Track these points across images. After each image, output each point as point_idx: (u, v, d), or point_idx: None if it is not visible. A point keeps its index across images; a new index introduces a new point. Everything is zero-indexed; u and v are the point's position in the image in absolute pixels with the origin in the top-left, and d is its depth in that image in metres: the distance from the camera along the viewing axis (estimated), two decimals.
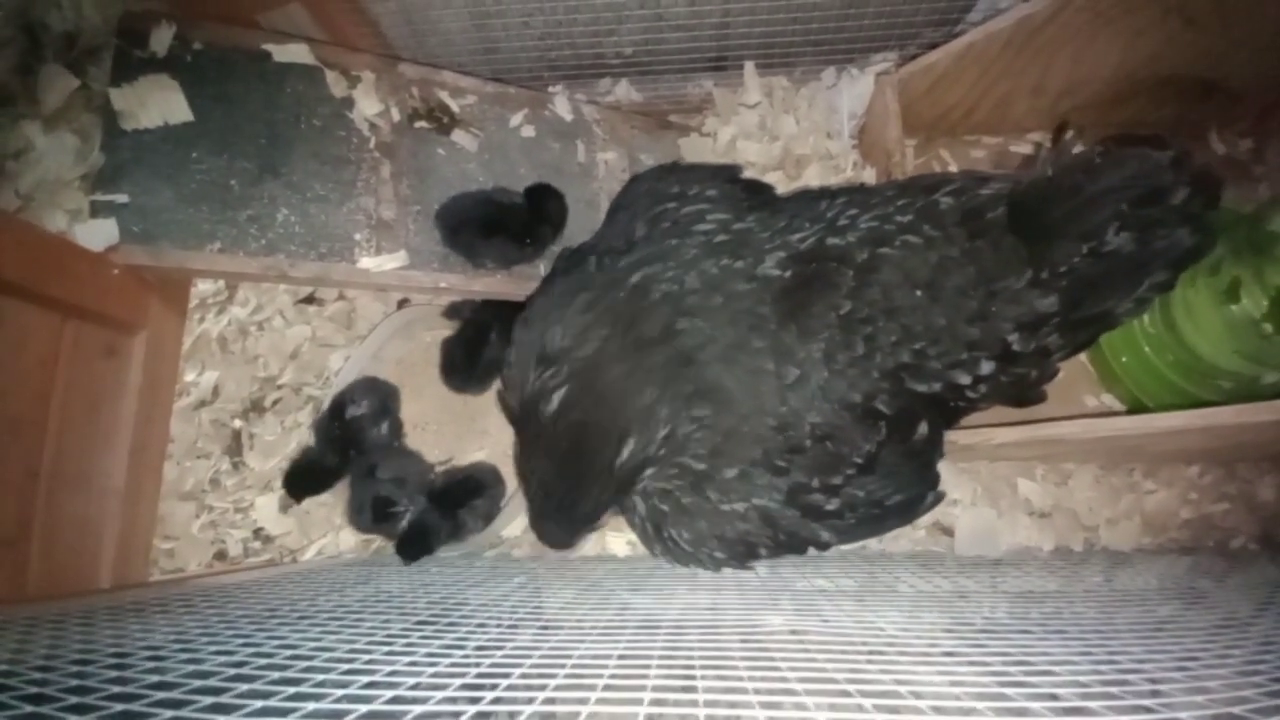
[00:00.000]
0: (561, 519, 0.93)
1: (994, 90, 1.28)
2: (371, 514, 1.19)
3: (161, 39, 1.10)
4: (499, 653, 0.57)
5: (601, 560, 1.26)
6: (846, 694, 0.48)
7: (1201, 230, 0.82)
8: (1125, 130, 1.07)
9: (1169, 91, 1.28)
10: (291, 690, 0.46)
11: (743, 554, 0.94)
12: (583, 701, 0.44)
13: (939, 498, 0.99)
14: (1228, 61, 1.22)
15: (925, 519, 1.26)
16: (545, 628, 0.71)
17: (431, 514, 1.17)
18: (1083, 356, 1.32)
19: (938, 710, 0.42)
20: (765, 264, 0.91)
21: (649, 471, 0.89)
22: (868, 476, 0.92)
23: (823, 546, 0.95)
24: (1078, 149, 0.88)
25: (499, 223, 1.17)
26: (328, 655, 0.56)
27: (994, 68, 1.22)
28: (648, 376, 0.86)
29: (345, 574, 1.09)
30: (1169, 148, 0.82)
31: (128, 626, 0.70)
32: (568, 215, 1.22)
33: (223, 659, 0.55)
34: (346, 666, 0.52)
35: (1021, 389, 0.94)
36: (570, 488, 0.89)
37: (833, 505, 0.92)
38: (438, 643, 0.61)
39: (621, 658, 0.56)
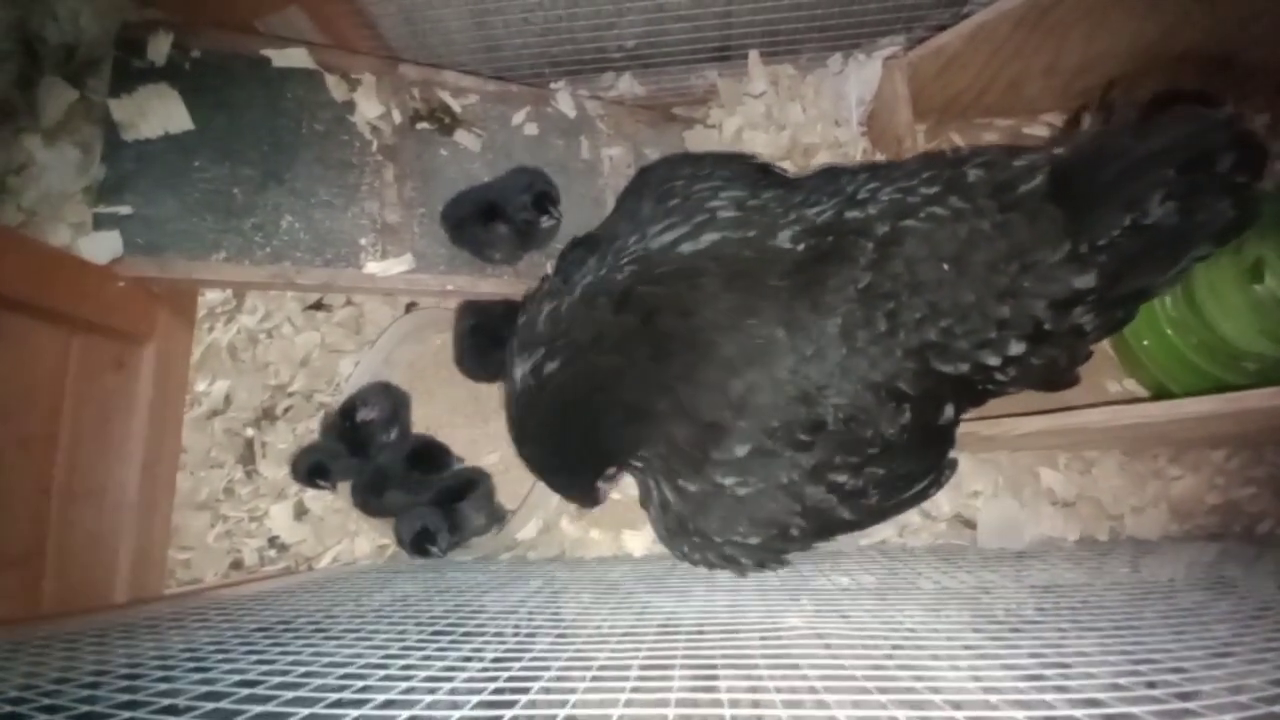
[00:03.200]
0: (573, 489, 1.00)
1: (1006, 71, 1.25)
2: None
3: (160, 48, 1.10)
4: (517, 665, 0.56)
5: (619, 560, 1.24)
6: (866, 691, 0.46)
7: (1243, 202, 0.79)
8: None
9: (1184, 67, 1.25)
10: (305, 712, 0.45)
11: (776, 538, 0.90)
12: (611, 704, 0.43)
13: (954, 467, 0.98)
14: (1243, 34, 1.19)
15: (946, 511, 1.24)
16: (563, 635, 0.70)
17: (432, 515, 1.16)
18: (1104, 341, 1.29)
19: (955, 705, 0.40)
20: (777, 237, 0.87)
21: (645, 450, 0.91)
22: (888, 457, 0.89)
23: (844, 527, 0.93)
24: (1121, 113, 0.85)
25: (494, 208, 1.17)
26: (342, 671, 0.54)
27: (1006, 47, 1.19)
28: (639, 351, 0.86)
29: (361, 581, 1.08)
30: (1222, 106, 0.79)
31: (141, 644, 0.69)
32: (556, 189, 1.20)
33: (235, 677, 0.54)
34: (361, 684, 0.51)
35: (1052, 372, 0.90)
36: (566, 466, 0.95)
37: (854, 484, 0.89)
38: (454, 654, 0.60)
39: (643, 665, 0.54)
